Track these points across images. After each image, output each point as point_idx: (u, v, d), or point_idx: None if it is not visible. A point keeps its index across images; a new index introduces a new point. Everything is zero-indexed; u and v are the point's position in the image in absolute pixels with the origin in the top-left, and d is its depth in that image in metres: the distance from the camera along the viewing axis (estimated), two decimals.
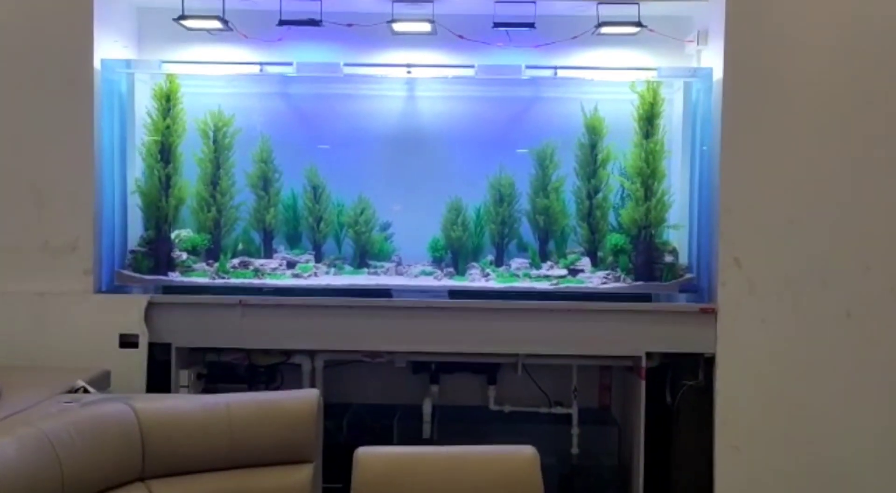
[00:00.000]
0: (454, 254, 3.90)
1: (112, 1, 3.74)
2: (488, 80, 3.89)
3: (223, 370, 3.84)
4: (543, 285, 3.73)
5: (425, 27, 3.76)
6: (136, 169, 3.86)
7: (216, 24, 3.75)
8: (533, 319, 3.60)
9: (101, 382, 3.30)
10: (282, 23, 3.72)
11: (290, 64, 3.82)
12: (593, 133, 3.84)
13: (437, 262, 3.91)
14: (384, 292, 3.72)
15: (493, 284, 3.76)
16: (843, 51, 3.50)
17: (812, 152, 3.51)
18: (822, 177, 3.50)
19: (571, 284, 3.73)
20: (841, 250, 3.49)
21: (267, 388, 3.90)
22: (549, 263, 3.85)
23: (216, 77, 3.96)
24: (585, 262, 3.81)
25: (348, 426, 3.96)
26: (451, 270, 3.86)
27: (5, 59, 3.59)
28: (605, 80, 3.88)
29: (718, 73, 3.58)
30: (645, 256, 3.74)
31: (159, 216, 3.78)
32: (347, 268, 3.88)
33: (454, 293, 3.71)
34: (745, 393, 3.52)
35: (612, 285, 3.72)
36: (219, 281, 3.74)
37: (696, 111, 3.80)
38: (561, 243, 3.89)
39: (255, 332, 3.62)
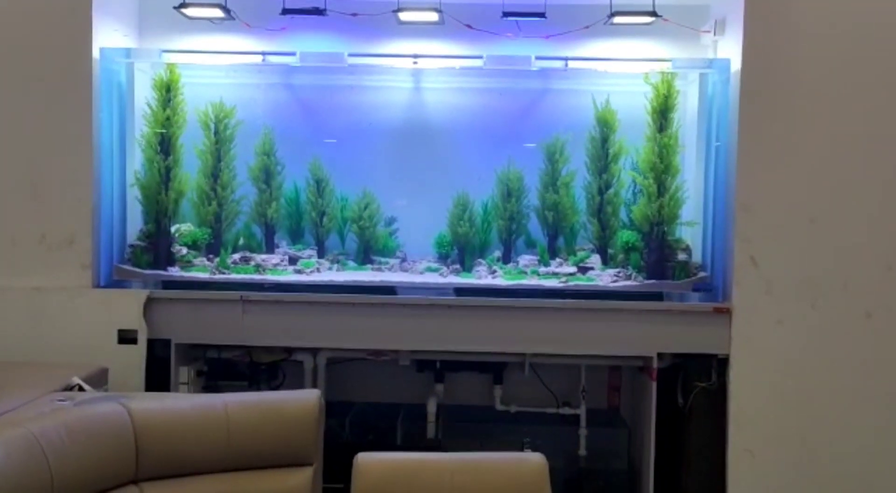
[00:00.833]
0: (460, 250, 3.81)
1: None
2: (497, 71, 3.80)
3: (224, 368, 3.79)
4: (552, 283, 3.64)
5: (432, 17, 3.67)
6: (136, 161, 3.79)
7: (218, 13, 3.67)
8: (541, 317, 3.52)
9: (98, 379, 3.24)
10: (285, 11, 3.64)
11: (293, 54, 3.74)
12: (605, 126, 3.75)
13: (443, 258, 3.83)
14: (388, 289, 3.65)
15: (501, 281, 3.68)
16: (866, 41, 3.39)
17: (833, 148, 3.41)
18: (844, 174, 3.41)
19: (581, 282, 3.64)
20: (862, 249, 3.40)
21: (269, 386, 3.84)
22: (558, 260, 3.76)
23: (217, 67, 3.89)
24: (595, 259, 3.73)
25: (351, 425, 3.90)
26: (457, 266, 3.78)
27: (2, 48, 3.51)
28: (618, 72, 3.79)
29: (736, 65, 3.48)
30: (657, 253, 3.65)
31: (159, 210, 3.71)
32: (351, 264, 3.81)
33: (460, 291, 3.64)
34: (759, 395, 3.43)
35: (622, 284, 3.63)
36: (219, 276, 3.68)
37: (712, 104, 3.69)
38: (570, 240, 3.81)
39: (257, 329, 3.56)
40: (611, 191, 3.74)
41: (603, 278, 3.66)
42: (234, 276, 3.68)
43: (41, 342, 3.45)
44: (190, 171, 3.77)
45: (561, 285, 3.63)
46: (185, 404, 2.77)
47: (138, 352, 3.47)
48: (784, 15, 3.40)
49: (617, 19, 3.64)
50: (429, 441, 3.81)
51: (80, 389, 2.99)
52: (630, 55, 3.86)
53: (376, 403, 4.02)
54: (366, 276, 3.73)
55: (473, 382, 4.00)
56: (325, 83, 3.94)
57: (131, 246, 3.74)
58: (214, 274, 3.69)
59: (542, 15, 3.61)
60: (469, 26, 3.74)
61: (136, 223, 3.80)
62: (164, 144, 3.72)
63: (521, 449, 3.74)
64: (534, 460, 2.23)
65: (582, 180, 3.79)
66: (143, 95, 3.78)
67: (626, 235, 3.70)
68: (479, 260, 3.81)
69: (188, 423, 2.69)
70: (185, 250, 3.73)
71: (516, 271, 3.72)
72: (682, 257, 3.69)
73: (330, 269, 3.77)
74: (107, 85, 3.64)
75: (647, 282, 3.63)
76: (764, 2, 3.40)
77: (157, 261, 3.70)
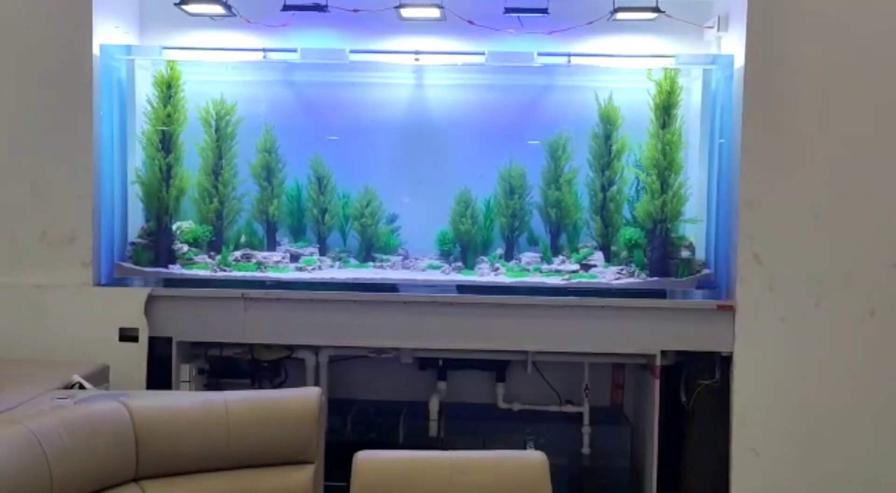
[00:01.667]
0: (463, 247, 3.79)
1: None
2: (499, 67, 3.78)
3: (225, 365, 3.78)
4: (555, 281, 3.62)
5: (434, 13, 3.65)
6: (137, 158, 3.78)
7: (219, 10, 3.65)
8: (543, 315, 3.50)
9: (99, 377, 3.24)
10: (286, 8, 3.62)
11: (294, 50, 3.72)
12: (608, 123, 3.72)
13: (445, 255, 3.82)
14: (390, 287, 3.63)
15: (503, 278, 3.66)
16: (871, 36, 3.37)
17: (838, 144, 3.38)
18: (848, 170, 3.38)
19: (584, 279, 3.62)
20: (866, 246, 3.37)
21: (271, 383, 3.83)
22: (560, 257, 3.74)
23: (218, 64, 3.87)
24: (598, 256, 3.71)
25: (353, 423, 3.89)
26: (459, 264, 3.77)
27: (2, 45, 3.50)
28: (621, 68, 3.76)
29: (740, 61, 3.45)
30: (660, 250, 3.63)
31: (160, 207, 3.70)
32: (353, 261, 3.79)
33: (462, 288, 3.62)
34: (763, 394, 3.41)
35: (625, 281, 3.61)
36: (221, 274, 3.67)
37: (715, 100, 3.67)
38: (573, 237, 3.79)
39: (258, 326, 3.55)
40: (614, 188, 3.72)
41: (606, 275, 3.64)
42: (235, 273, 3.66)
43: (42, 340, 3.45)
44: (191, 168, 3.76)
45: (564, 282, 3.62)
46: (186, 402, 2.76)
47: (139, 350, 3.46)
48: (787, 10, 3.38)
49: (620, 15, 3.62)
50: (431, 439, 3.80)
51: (81, 387, 2.98)
52: (633, 51, 3.83)
53: (378, 401, 4.00)
54: (367, 273, 3.71)
55: (476, 380, 3.99)
56: (327, 80, 3.92)
57: (132, 244, 3.73)
58: (216, 272, 3.68)
59: (544, 11, 3.59)
60: (471, 22, 3.71)
61: (137, 221, 3.79)
62: (165, 142, 3.70)
63: (524, 447, 3.73)
64: (534, 458, 2.21)
65: (585, 177, 3.77)
66: (144, 92, 3.76)
67: (629, 233, 3.68)
68: (482, 257, 3.79)
69: (189, 421, 2.68)
70: (186, 248, 3.72)
71: (519, 268, 3.71)
72: (685, 254, 3.67)
73: (332, 266, 3.76)
74: (107, 82, 3.62)
75: (650, 279, 3.61)
76: None
77: (158, 258, 3.69)
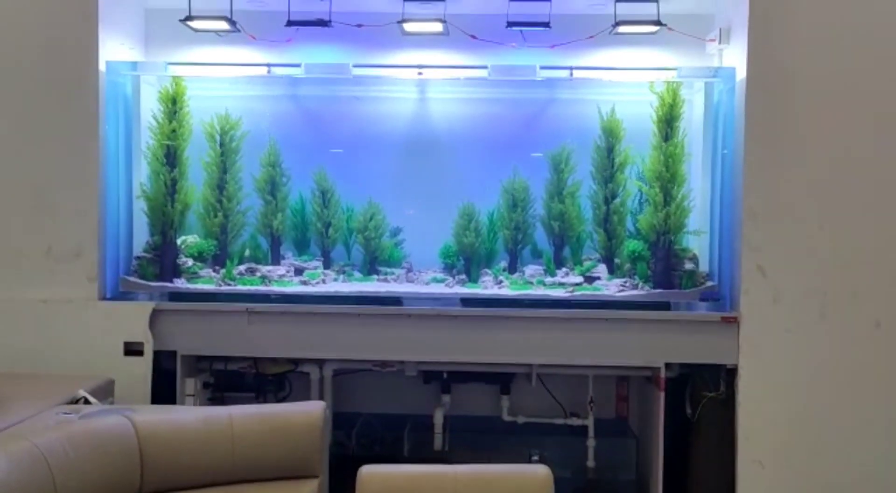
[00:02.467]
0: (466, 260, 3.80)
1: (118, 2, 3.68)
2: (502, 81, 3.80)
3: (230, 379, 3.78)
4: (558, 293, 3.62)
5: (437, 27, 3.67)
6: (142, 173, 3.79)
7: (223, 26, 3.68)
8: (548, 328, 3.50)
9: (104, 391, 3.24)
10: (290, 23, 3.65)
11: (298, 65, 3.74)
12: (610, 136, 3.73)
13: (449, 268, 3.82)
14: (394, 300, 3.63)
15: (507, 291, 3.66)
16: (870, 48, 3.37)
17: (841, 155, 3.38)
18: (851, 181, 3.38)
19: (587, 291, 3.62)
20: (871, 257, 3.36)
21: (275, 397, 3.83)
22: (564, 270, 3.74)
23: (223, 79, 3.90)
24: (602, 269, 3.70)
25: (357, 436, 3.88)
26: (463, 277, 3.77)
27: (9, 61, 3.53)
28: (623, 81, 3.77)
29: (741, 73, 3.46)
30: (664, 263, 3.63)
31: (165, 222, 3.72)
32: (357, 275, 3.80)
33: (466, 301, 3.63)
34: (769, 406, 3.40)
35: (629, 293, 3.61)
36: (225, 288, 3.67)
37: (717, 112, 3.68)
38: (577, 250, 3.79)
39: (263, 340, 3.56)
40: (617, 200, 3.72)
41: (609, 287, 3.64)
42: (239, 287, 3.67)
43: (48, 354, 3.46)
44: (196, 182, 3.78)
45: (567, 294, 3.61)
46: (190, 416, 2.77)
47: (144, 364, 3.47)
48: (788, 23, 3.39)
49: (622, 29, 3.64)
50: (436, 453, 3.79)
51: (86, 401, 2.99)
52: (635, 64, 3.85)
53: (383, 414, 4.00)
54: (371, 287, 3.71)
55: (480, 392, 3.98)
56: (331, 94, 3.94)
57: (137, 258, 3.75)
58: (220, 285, 3.68)
59: (546, 25, 3.61)
60: (473, 37, 3.74)
61: (142, 235, 3.80)
62: (170, 156, 3.72)
63: (529, 460, 3.72)
64: (539, 472, 2.21)
65: (588, 190, 3.78)
66: (149, 108, 3.79)
67: (632, 245, 3.68)
68: (485, 270, 3.79)
69: (193, 435, 2.69)
70: (190, 262, 3.73)
71: (522, 281, 3.71)
72: (688, 266, 3.66)
73: (336, 280, 3.76)
74: (113, 98, 3.65)
75: (653, 291, 3.61)
76: (769, 10, 3.39)
77: (163, 273, 3.70)
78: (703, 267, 3.70)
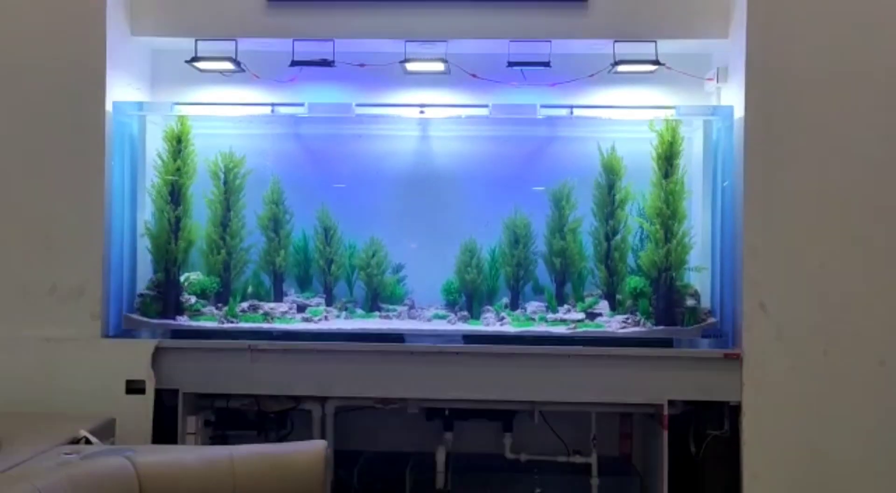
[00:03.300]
0: (468, 297, 3.81)
1: (126, 43, 3.75)
2: (503, 119, 3.84)
3: (232, 417, 3.76)
4: (560, 330, 3.62)
5: (438, 67, 3.73)
6: (146, 211, 3.82)
7: (228, 66, 3.74)
8: (550, 364, 3.49)
9: (106, 430, 3.24)
10: (294, 63, 3.71)
11: (301, 105, 3.80)
12: (611, 173, 3.76)
13: (451, 305, 3.83)
14: (397, 337, 3.63)
15: (509, 328, 3.66)
16: (867, 85, 3.41)
17: (840, 192, 3.40)
18: (853, 217, 3.39)
19: (589, 328, 3.62)
20: (874, 294, 3.36)
21: (277, 435, 3.81)
22: (566, 306, 3.75)
23: (228, 118, 3.94)
24: (604, 305, 3.71)
25: (359, 474, 3.85)
26: (465, 313, 3.77)
27: (17, 101, 3.58)
28: (623, 119, 3.82)
29: (740, 112, 3.50)
30: (665, 299, 3.63)
31: (168, 259, 3.74)
32: (359, 311, 3.81)
33: (468, 338, 3.62)
34: (773, 444, 3.37)
35: (631, 330, 3.60)
36: (228, 325, 3.68)
37: (717, 150, 3.71)
38: (578, 286, 3.80)
39: (265, 377, 3.55)
40: (618, 237, 3.74)
41: (611, 324, 3.64)
42: (242, 324, 3.68)
43: (50, 393, 3.46)
44: (199, 220, 3.81)
45: (569, 331, 3.61)
46: (192, 457, 2.76)
47: (146, 402, 3.46)
48: (785, 61, 3.43)
49: (621, 68, 3.69)
50: (438, 491, 3.75)
51: (87, 441, 2.98)
52: (634, 102, 3.89)
53: (385, 452, 3.97)
54: (374, 323, 3.72)
55: (483, 430, 3.95)
56: (333, 133, 3.98)
57: (140, 295, 3.76)
58: (223, 323, 3.69)
59: (546, 64, 3.66)
60: (474, 75, 3.79)
61: (145, 272, 3.82)
62: (175, 194, 3.76)
63: None
64: None
65: (589, 226, 3.80)
66: (155, 146, 3.83)
67: (633, 281, 3.69)
68: (487, 307, 3.80)
69: (194, 476, 2.68)
70: (193, 299, 3.75)
71: (524, 317, 3.71)
72: (690, 302, 3.66)
73: (338, 317, 3.77)
74: (119, 137, 3.69)
75: (655, 328, 3.60)
76: (765, 50, 3.43)
77: (165, 310, 3.71)
78: (705, 303, 3.70)
